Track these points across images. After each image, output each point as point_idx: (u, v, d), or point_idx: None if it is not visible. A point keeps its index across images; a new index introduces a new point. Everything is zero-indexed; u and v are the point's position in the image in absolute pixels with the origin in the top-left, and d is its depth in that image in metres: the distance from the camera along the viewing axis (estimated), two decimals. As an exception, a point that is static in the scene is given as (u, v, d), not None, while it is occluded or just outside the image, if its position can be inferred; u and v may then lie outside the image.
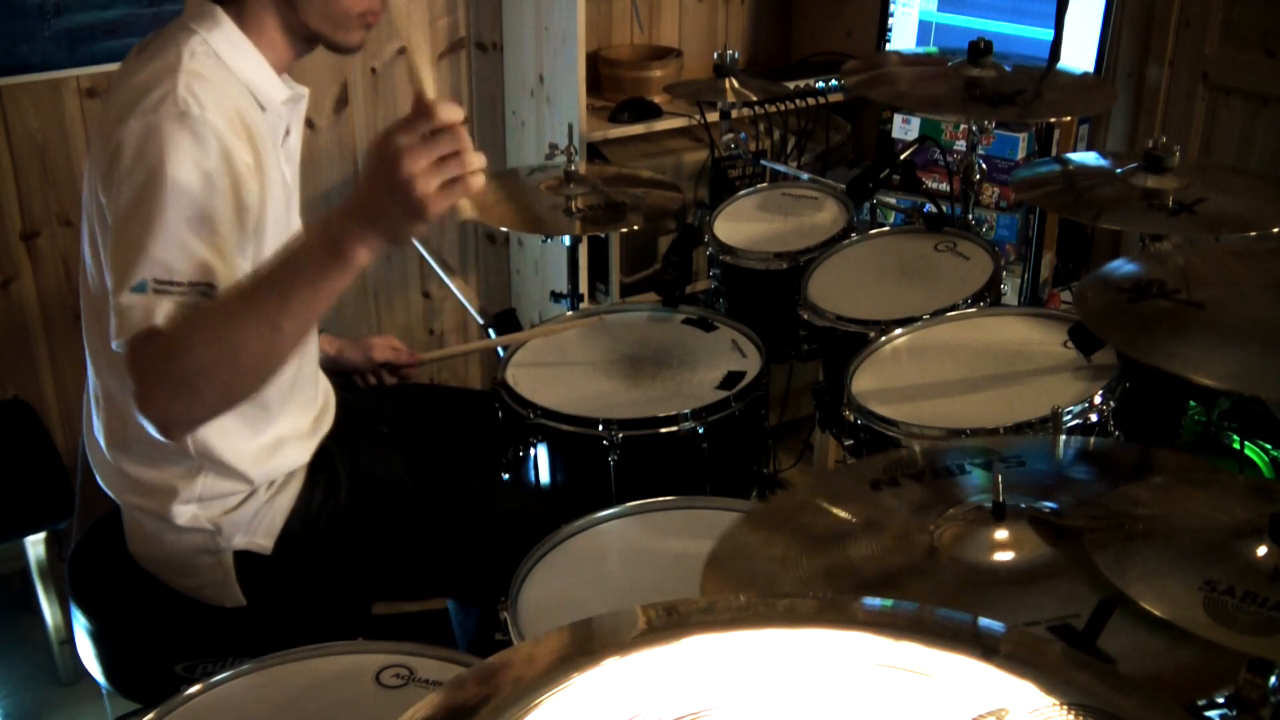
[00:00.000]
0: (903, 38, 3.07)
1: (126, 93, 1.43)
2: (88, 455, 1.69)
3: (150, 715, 1.30)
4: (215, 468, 1.59)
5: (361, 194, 1.29)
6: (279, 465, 1.65)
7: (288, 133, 1.62)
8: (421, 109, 1.26)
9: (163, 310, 1.33)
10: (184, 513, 1.60)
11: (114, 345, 1.36)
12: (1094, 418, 1.66)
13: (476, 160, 1.28)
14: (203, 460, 1.58)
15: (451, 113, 1.26)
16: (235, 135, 1.44)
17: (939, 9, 2.94)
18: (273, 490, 1.66)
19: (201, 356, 1.31)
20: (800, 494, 1.37)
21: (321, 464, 1.72)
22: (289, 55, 1.58)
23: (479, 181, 1.28)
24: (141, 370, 1.34)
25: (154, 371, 1.33)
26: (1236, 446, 2.44)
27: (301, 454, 1.69)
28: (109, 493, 1.68)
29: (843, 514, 1.32)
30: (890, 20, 3.08)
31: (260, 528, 1.65)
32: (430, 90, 1.27)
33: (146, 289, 1.34)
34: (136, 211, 1.36)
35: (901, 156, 2.33)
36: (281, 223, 1.57)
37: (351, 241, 1.28)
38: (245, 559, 1.64)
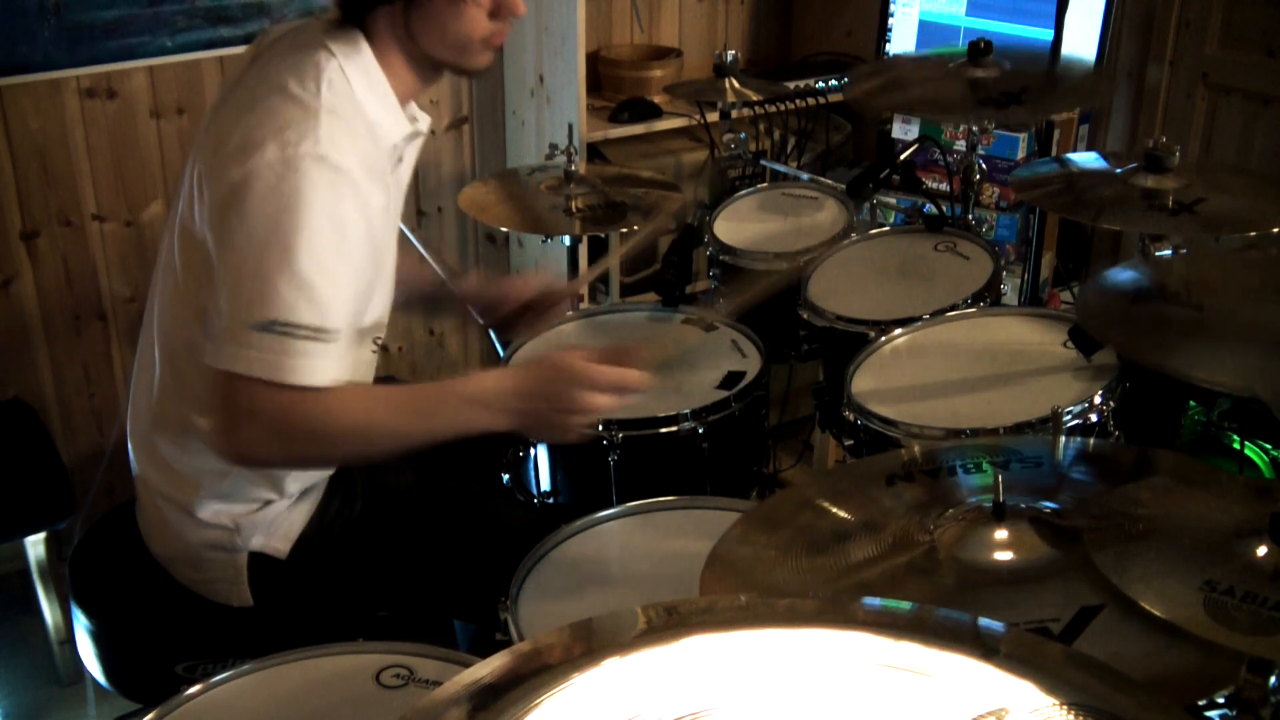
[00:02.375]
0: (903, 38, 3.07)
1: (267, 113, 1.41)
2: (128, 436, 1.69)
3: (150, 715, 1.30)
4: (249, 470, 1.60)
5: (528, 398, 1.46)
6: (310, 475, 1.66)
7: (400, 160, 1.61)
8: (633, 376, 1.46)
9: (295, 367, 1.37)
10: (208, 507, 1.61)
11: (210, 359, 1.39)
12: (1094, 418, 1.66)
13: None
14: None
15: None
16: (370, 179, 1.44)
17: (967, 13, 2.92)
18: (296, 496, 1.66)
19: (315, 429, 1.42)
20: (800, 493, 1.37)
21: (340, 472, 1.73)
22: (416, 85, 1.57)
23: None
24: (250, 409, 1.39)
25: (269, 421, 1.39)
26: (1236, 446, 2.44)
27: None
28: (138, 471, 1.67)
29: (842, 514, 1.32)
30: (890, 20, 3.08)
31: (279, 531, 1.65)
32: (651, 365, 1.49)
33: (272, 329, 1.36)
34: (268, 247, 1.37)
35: (901, 156, 2.33)
36: (391, 255, 1.58)
37: (495, 418, 1.47)
38: (259, 560, 1.64)
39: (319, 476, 1.69)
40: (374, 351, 1.65)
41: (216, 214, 1.42)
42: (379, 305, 1.59)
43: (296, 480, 1.64)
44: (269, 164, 1.38)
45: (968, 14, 2.93)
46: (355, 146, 1.43)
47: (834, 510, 1.32)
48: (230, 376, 1.38)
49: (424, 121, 1.63)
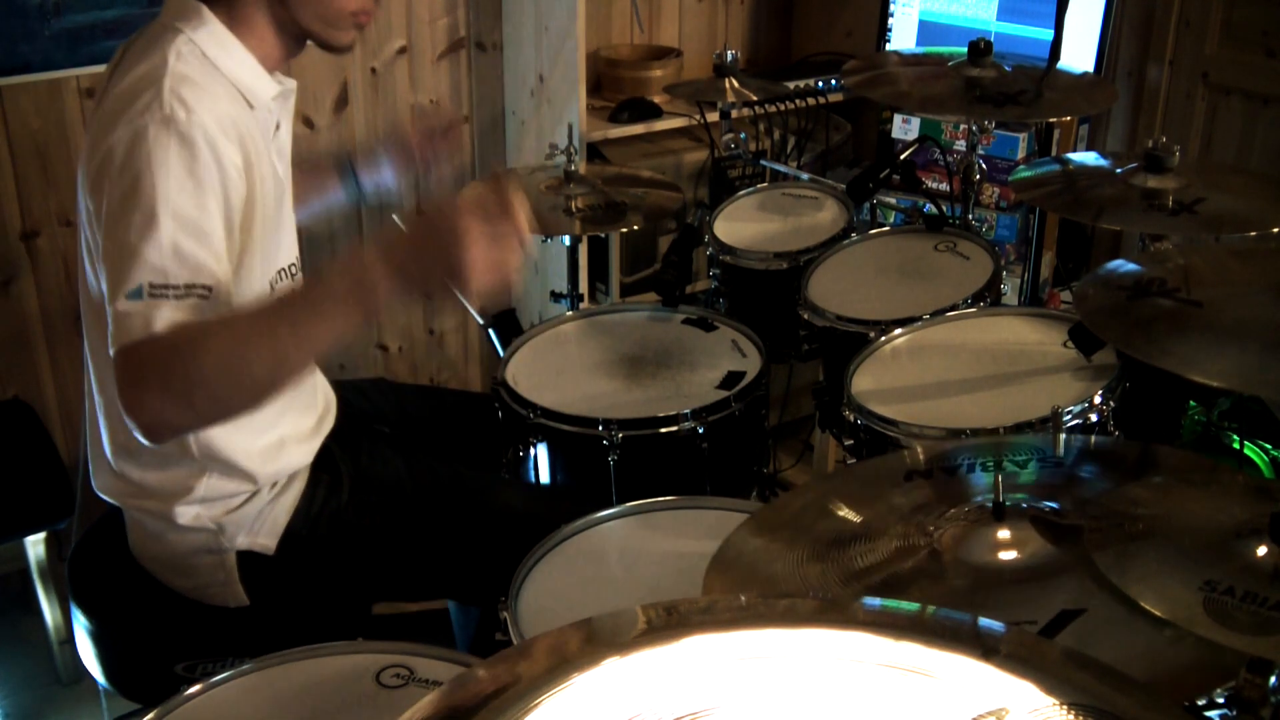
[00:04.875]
0: (903, 38, 3.07)
1: (114, 99, 1.43)
2: (88, 459, 1.69)
3: (150, 715, 1.30)
4: (220, 469, 1.59)
5: (407, 252, 1.31)
6: (282, 466, 1.66)
7: (278, 127, 1.62)
8: (503, 199, 1.31)
9: (161, 317, 1.33)
10: (187, 513, 1.60)
11: (110, 351, 1.35)
12: (1094, 418, 1.66)
13: (526, 249, 1.33)
14: (207, 462, 1.58)
15: (523, 209, 1.32)
16: (224, 136, 1.44)
17: (998, 17, 2.91)
18: (276, 490, 1.66)
19: (204, 369, 1.31)
20: (803, 495, 1.37)
21: (324, 464, 1.73)
22: (279, 54, 1.58)
23: (518, 269, 1.33)
24: (136, 374, 1.32)
25: (151, 375, 1.32)
26: (1236, 446, 2.44)
27: (304, 455, 1.69)
28: (107, 498, 1.67)
29: (846, 514, 1.32)
30: (890, 20, 3.08)
31: (263, 528, 1.65)
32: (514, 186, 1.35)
33: (143, 295, 1.33)
34: (128, 217, 1.36)
35: (901, 156, 2.33)
36: (272, 218, 1.57)
37: (383, 293, 1.31)
38: (248, 559, 1.65)
39: (297, 466, 1.68)
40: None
41: (88, 202, 1.43)
42: (263, 266, 1.56)
43: (269, 464, 1.63)
44: (119, 140, 1.39)
45: (998, 18, 2.91)
46: (210, 106, 1.43)
47: (838, 510, 1.33)
48: (115, 354, 1.33)
49: (290, 82, 1.64)
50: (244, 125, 1.49)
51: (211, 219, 1.40)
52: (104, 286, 1.40)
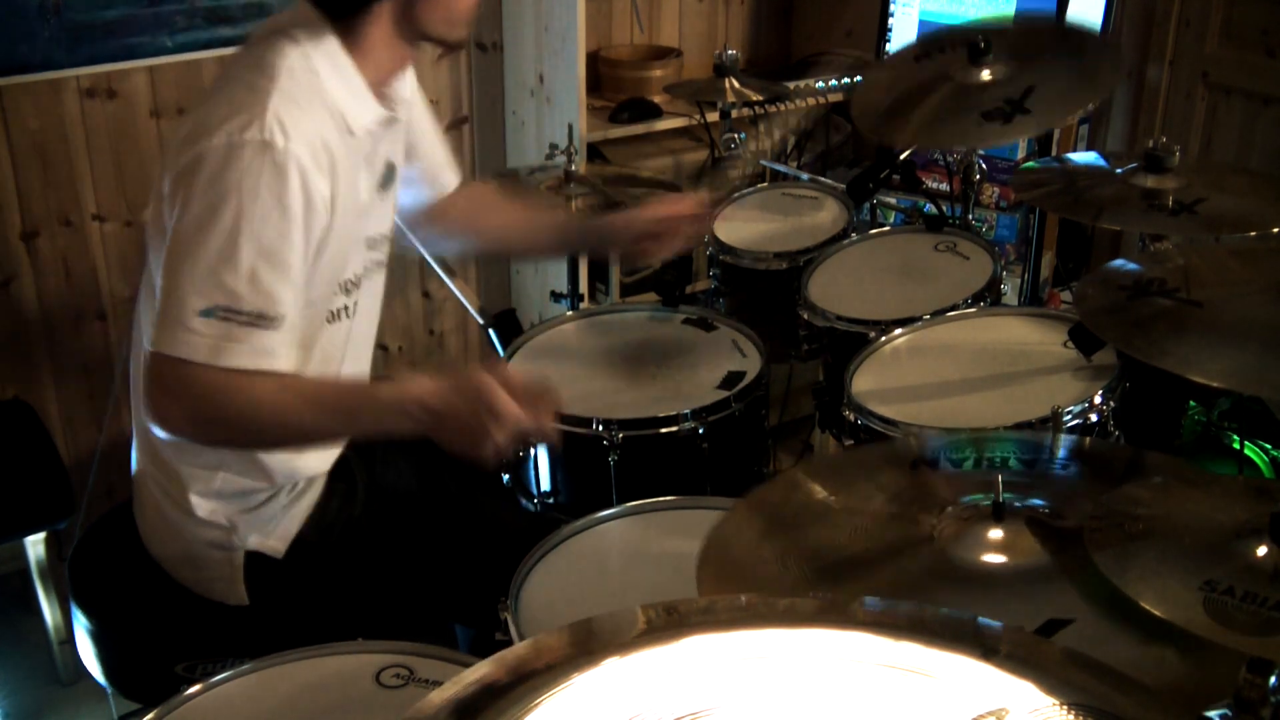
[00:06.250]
0: (903, 38, 3.07)
1: (222, 101, 1.43)
2: (132, 432, 1.70)
3: (150, 715, 1.30)
4: (236, 465, 1.60)
5: (447, 405, 1.43)
6: (300, 468, 1.66)
7: (388, 169, 1.63)
8: (547, 398, 1.45)
9: (228, 350, 1.38)
10: (203, 505, 1.61)
11: (148, 345, 1.40)
12: (1094, 418, 1.66)
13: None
14: (223, 457, 1.59)
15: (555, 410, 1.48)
16: (316, 167, 1.44)
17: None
18: (293, 495, 1.66)
19: (234, 413, 1.42)
20: (795, 483, 1.37)
21: (340, 474, 1.73)
22: (396, 66, 1.58)
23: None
24: (175, 387, 1.40)
25: (188, 396, 1.40)
26: (1236, 446, 2.44)
27: (322, 461, 1.70)
28: (137, 469, 1.69)
29: (839, 511, 1.31)
30: (890, 20, 3.08)
31: (275, 530, 1.65)
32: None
33: (213, 315, 1.37)
34: (210, 233, 1.38)
35: (901, 156, 2.33)
36: (347, 240, 1.56)
37: (410, 426, 1.44)
38: (255, 560, 1.65)
39: (314, 471, 1.68)
40: (333, 321, 1.62)
41: (169, 201, 1.44)
42: (329, 280, 1.57)
43: (286, 463, 1.63)
44: (214, 150, 1.39)
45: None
46: (309, 133, 1.43)
47: (831, 500, 1.32)
48: (164, 356, 1.38)
49: (409, 88, 1.64)
50: (338, 151, 1.49)
51: (293, 250, 1.42)
52: (160, 279, 1.42)
